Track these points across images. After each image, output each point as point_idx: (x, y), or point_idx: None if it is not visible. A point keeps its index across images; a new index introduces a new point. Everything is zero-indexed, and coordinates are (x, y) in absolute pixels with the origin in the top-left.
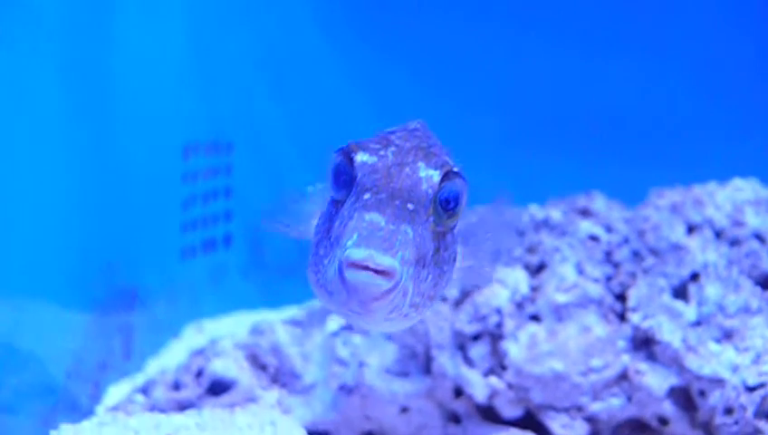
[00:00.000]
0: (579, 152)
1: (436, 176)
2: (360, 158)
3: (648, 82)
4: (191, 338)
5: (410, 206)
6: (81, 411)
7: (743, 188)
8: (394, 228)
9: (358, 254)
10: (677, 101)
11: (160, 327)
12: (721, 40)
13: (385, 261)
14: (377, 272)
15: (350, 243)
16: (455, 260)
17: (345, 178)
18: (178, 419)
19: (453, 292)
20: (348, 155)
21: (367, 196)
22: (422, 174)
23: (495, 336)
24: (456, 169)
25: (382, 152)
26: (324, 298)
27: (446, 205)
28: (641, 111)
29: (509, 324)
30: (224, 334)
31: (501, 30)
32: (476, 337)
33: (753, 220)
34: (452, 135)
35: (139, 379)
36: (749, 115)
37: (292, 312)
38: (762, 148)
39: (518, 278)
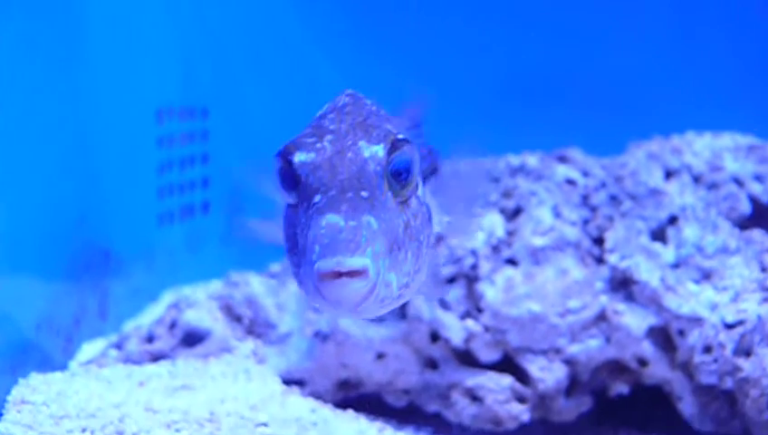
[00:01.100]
0: (556, 110)
1: (380, 151)
2: (298, 158)
3: (625, 39)
4: (169, 303)
5: (364, 193)
6: (53, 366)
7: (721, 136)
8: (355, 224)
9: (325, 265)
10: (654, 58)
11: (138, 292)
12: None
13: (355, 263)
14: (351, 275)
15: (314, 256)
16: (430, 220)
17: (290, 180)
18: (151, 368)
19: None
20: (286, 158)
21: (317, 197)
22: (366, 154)
23: (471, 278)
24: (400, 136)
25: (319, 145)
26: (312, 302)
27: (399, 176)
28: (619, 69)
29: (485, 267)
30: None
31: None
32: (452, 280)
33: (731, 165)
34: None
35: (115, 337)
36: (728, 71)
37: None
38: (740, 104)
39: (494, 222)
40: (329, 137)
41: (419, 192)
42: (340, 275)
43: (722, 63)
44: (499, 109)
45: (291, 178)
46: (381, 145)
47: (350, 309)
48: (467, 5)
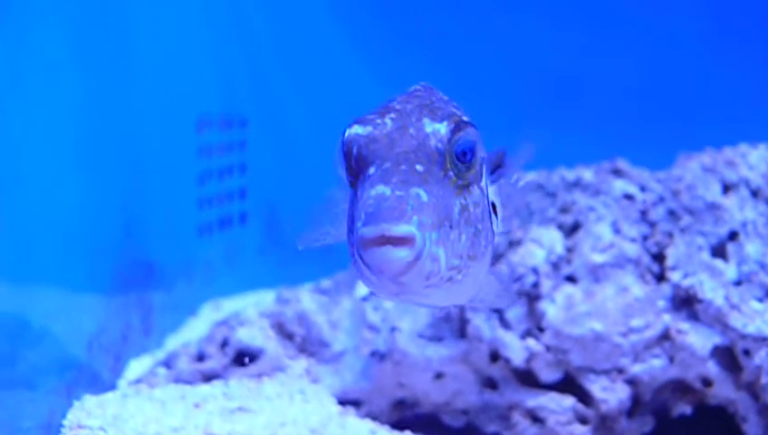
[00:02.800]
0: (597, 127)
1: (443, 128)
2: (354, 131)
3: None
4: (209, 316)
5: (419, 167)
6: (103, 385)
7: None
8: (402, 194)
9: (369, 232)
10: (692, 67)
11: (178, 305)
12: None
13: (399, 230)
14: (395, 244)
15: (359, 224)
16: (491, 216)
17: (344, 154)
18: (204, 388)
19: None
20: (343, 132)
21: (371, 170)
22: (428, 129)
23: (532, 297)
24: (465, 119)
25: (379, 121)
26: (366, 285)
27: (462, 157)
28: (660, 84)
29: (546, 285)
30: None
31: (520, 8)
32: None
33: None
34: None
35: (160, 354)
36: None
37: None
38: None
39: (553, 238)
40: (392, 115)
41: (483, 183)
42: (383, 244)
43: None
44: (535, 115)
45: (346, 153)
46: (445, 123)
47: (394, 279)
48: (505, 10)
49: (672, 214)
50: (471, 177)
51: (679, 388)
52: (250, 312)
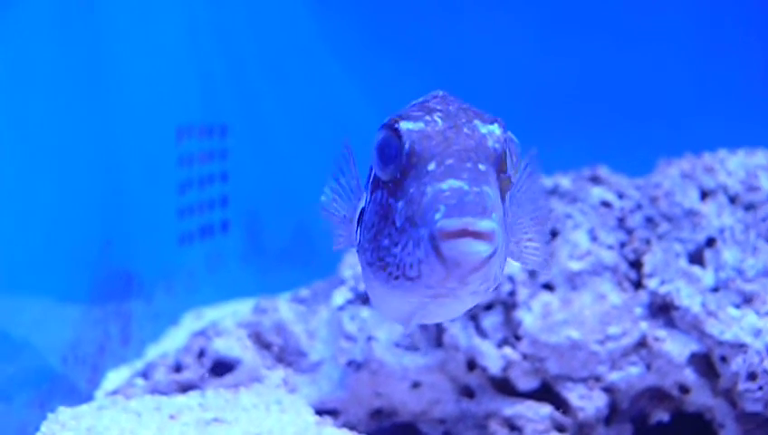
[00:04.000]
0: (579, 131)
1: (497, 129)
2: (406, 126)
3: (648, 61)
4: (190, 325)
5: (482, 167)
6: (79, 396)
7: (754, 154)
8: (479, 190)
9: (454, 224)
10: (677, 80)
11: (159, 315)
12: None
13: (485, 225)
14: (477, 239)
15: (438, 216)
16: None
17: (393, 152)
18: (181, 399)
19: None
20: (392, 127)
21: (431, 166)
22: (483, 130)
23: (508, 305)
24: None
25: (428, 117)
26: (400, 289)
27: (512, 162)
28: (643, 89)
29: (522, 293)
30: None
31: (499, 13)
32: (489, 306)
33: (767, 184)
34: None
35: (139, 364)
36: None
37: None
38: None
39: None
40: (438, 114)
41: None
42: (464, 237)
43: (739, 75)
44: (517, 122)
45: (394, 149)
46: (496, 125)
47: (468, 274)
48: (492, 18)
49: (650, 221)
50: (509, 186)
51: (657, 395)
52: (227, 322)
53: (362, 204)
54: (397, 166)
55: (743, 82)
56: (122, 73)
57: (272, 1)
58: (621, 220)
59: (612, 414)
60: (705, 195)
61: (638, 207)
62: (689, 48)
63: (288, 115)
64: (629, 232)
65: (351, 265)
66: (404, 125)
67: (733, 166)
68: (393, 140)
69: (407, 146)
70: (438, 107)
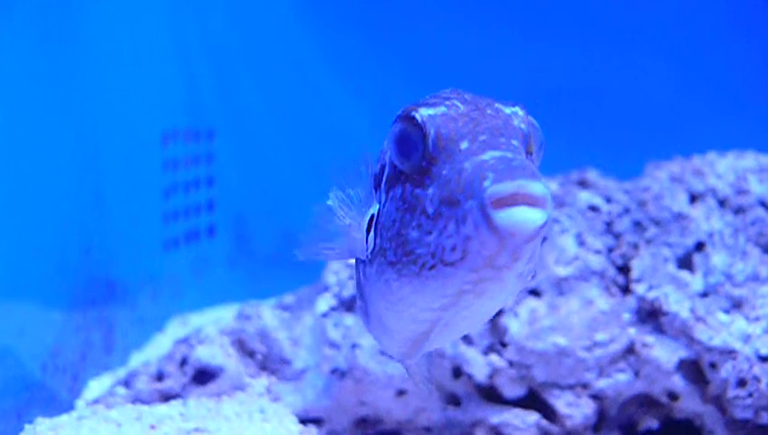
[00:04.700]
0: (569, 134)
1: (520, 111)
2: (426, 112)
3: (637, 63)
4: (176, 332)
5: (515, 142)
6: (60, 406)
7: (744, 157)
8: (522, 157)
9: (507, 187)
10: (667, 82)
11: (144, 321)
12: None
13: (538, 188)
14: (530, 204)
15: (487, 183)
16: None
17: (414, 141)
18: (162, 409)
19: None
20: (409, 116)
21: (464, 144)
22: (507, 111)
23: None
24: None
25: (448, 102)
26: (437, 279)
27: (540, 143)
28: (633, 92)
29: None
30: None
31: (488, 16)
32: None
33: (757, 188)
34: None
35: (122, 372)
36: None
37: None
38: (755, 124)
39: None
40: (456, 100)
41: None
42: (518, 202)
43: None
44: None
45: (415, 137)
46: (518, 107)
47: (519, 246)
48: (478, 19)
49: (638, 225)
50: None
51: (645, 402)
52: (210, 329)
53: (372, 210)
54: (420, 154)
55: (732, 85)
56: (107, 77)
57: (258, 4)
58: (609, 225)
59: (600, 422)
60: (694, 198)
61: (626, 211)
62: (679, 51)
63: (275, 119)
64: (617, 236)
65: (335, 272)
66: (424, 111)
67: (722, 169)
68: (412, 128)
69: (432, 132)
70: (453, 96)
